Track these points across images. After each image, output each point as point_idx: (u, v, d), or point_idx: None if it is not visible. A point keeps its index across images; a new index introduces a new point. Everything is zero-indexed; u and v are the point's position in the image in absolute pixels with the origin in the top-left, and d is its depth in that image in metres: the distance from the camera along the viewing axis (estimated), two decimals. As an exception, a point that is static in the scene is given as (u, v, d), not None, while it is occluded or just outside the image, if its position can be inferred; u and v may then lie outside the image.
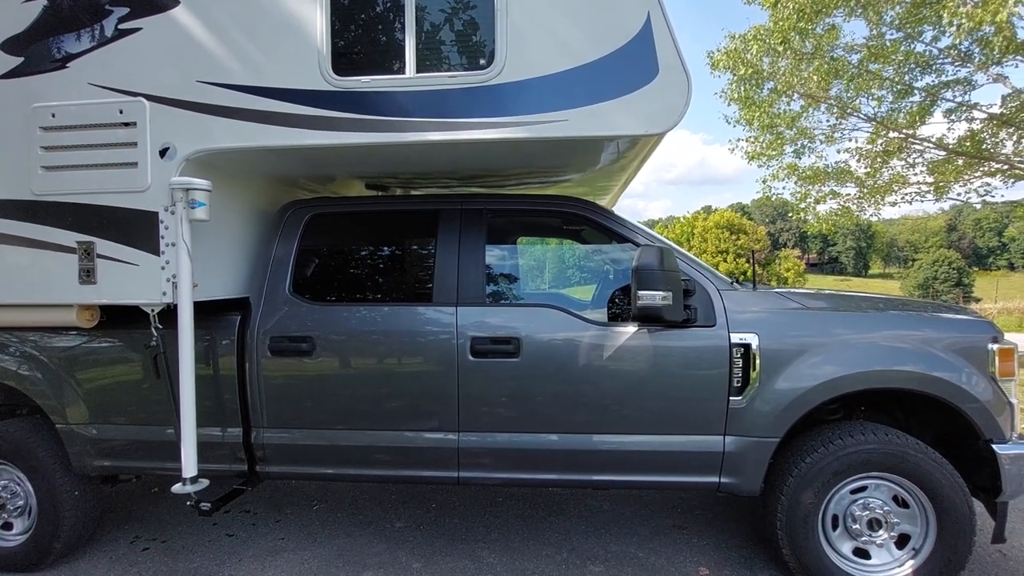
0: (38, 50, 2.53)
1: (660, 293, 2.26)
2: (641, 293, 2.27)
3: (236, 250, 2.87)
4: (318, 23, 2.37)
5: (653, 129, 2.28)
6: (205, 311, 2.65)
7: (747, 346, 2.49)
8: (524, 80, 2.29)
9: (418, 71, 2.34)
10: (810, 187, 10.45)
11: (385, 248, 2.99)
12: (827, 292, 3.27)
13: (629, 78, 2.26)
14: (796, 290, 2.84)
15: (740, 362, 2.49)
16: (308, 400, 2.69)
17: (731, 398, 2.50)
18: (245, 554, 3.10)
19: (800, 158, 10.91)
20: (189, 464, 2.47)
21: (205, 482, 2.53)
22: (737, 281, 2.80)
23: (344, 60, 2.39)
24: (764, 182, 10.52)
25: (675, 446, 2.55)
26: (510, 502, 3.70)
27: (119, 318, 2.75)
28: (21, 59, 2.55)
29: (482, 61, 2.32)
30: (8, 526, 2.99)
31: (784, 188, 10.74)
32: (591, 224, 2.78)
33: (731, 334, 2.51)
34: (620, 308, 2.69)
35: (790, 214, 13.43)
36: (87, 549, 3.14)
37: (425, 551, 3.08)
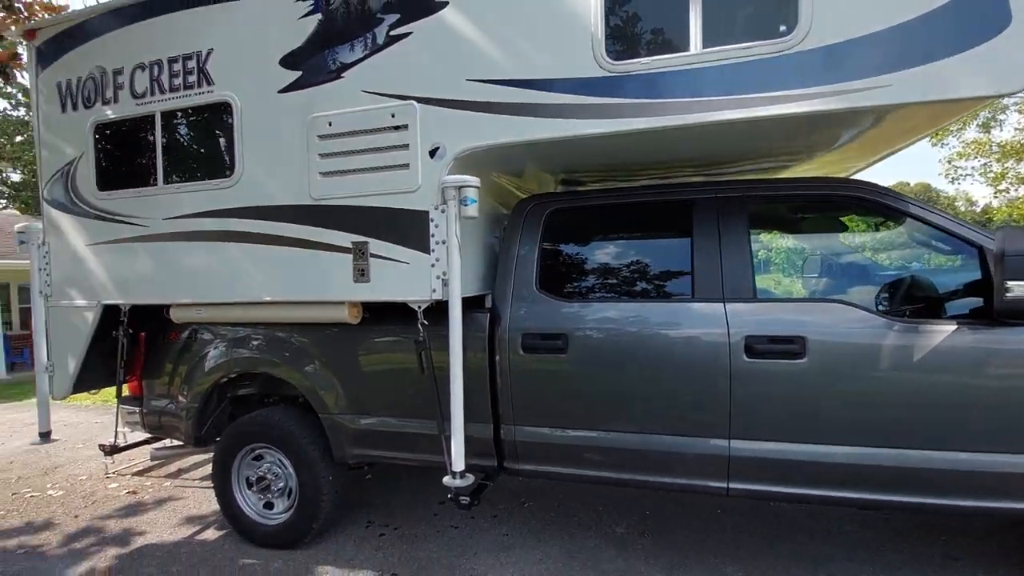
0: (314, 63, 2.70)
1: None
2: (1011, 284, 1.91)
3: (477, 246, 2.89)
4: (591, 5, 2.27)
5: (1006, 88, 1.91)
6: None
7: None
8: (834, 44, 2.02)
9: (705, 46, 2.16)
10: (1010, 164, 8.92)
11: (633, 241, 2.86)
12: None
13: (972, 30, 1.91)
14: None
15: None
16: (563, 398, 2.63)
17: (1087, 411, 2.05)
18: (477, 547, 3.13)
19: (989, 132, 9.40)
20: (458, 459, 2.49)
21: (471, 477, 2.55)
22: None
23: (619, 42, 2.28)
24: (949, 162, 9.16)
25: (1003, 467, 2.14)
26: (729, 515, 3.43)
27: (377, 314, 2.88)
28: (299, 73, 2.73)
29: (782, 27, 2.08)
30: (270, 505, 3.27)
31: (972, 168, 9.30)
32: (882, 209, 2.42)
33: (1085, 332, 2.06)
34: (914, 303, 2.33)
35: (974, 201, 11.60)
36: (331, 530, 3.36)
37: (662, 563, 2.91)
